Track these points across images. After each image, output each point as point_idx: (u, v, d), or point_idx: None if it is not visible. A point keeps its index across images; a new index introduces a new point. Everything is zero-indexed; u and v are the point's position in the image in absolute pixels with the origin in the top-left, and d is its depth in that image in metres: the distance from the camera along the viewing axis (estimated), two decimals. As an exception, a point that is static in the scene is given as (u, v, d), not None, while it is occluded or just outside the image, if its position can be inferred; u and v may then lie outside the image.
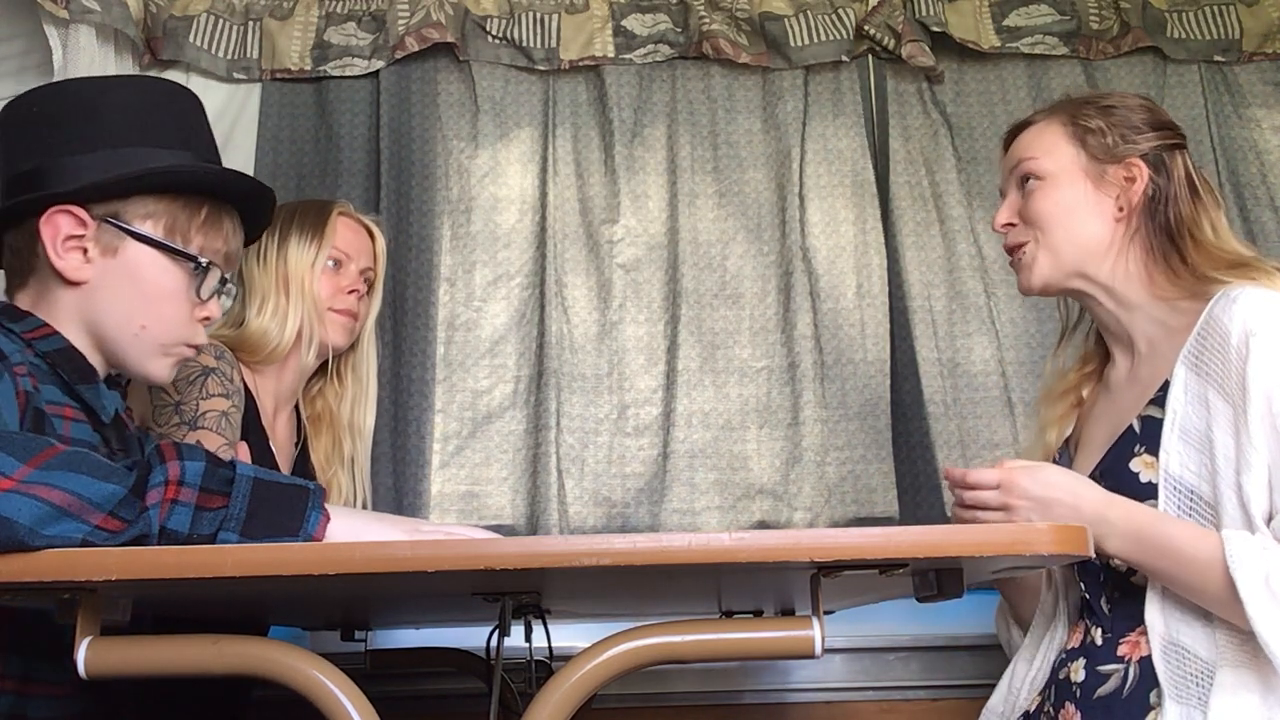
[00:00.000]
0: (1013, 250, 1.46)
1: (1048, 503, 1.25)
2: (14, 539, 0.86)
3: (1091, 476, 1.32)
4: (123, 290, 1.23)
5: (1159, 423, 1.29)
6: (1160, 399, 1.31)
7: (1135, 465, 1.30)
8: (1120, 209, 1.40)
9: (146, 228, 1.24)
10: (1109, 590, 1.34)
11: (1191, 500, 1.25)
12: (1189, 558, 1.19)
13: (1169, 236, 1.37)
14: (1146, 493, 1.28)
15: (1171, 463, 1.26)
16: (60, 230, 1.21)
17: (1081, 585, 1.38)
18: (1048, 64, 2.38)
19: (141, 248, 1.24)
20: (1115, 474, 1.31)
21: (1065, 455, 1.47)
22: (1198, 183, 1.41)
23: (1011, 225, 1.46)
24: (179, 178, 1.26)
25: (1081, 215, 1.40)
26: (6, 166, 1.27)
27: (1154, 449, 1.29)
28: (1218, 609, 1.20)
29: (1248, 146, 2.34)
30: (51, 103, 1.28)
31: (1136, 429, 1.32)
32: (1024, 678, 1.44)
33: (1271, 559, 1.15)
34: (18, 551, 0.87)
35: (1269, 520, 1.19)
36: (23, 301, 1.24)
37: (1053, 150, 1.43)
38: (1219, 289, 1.31)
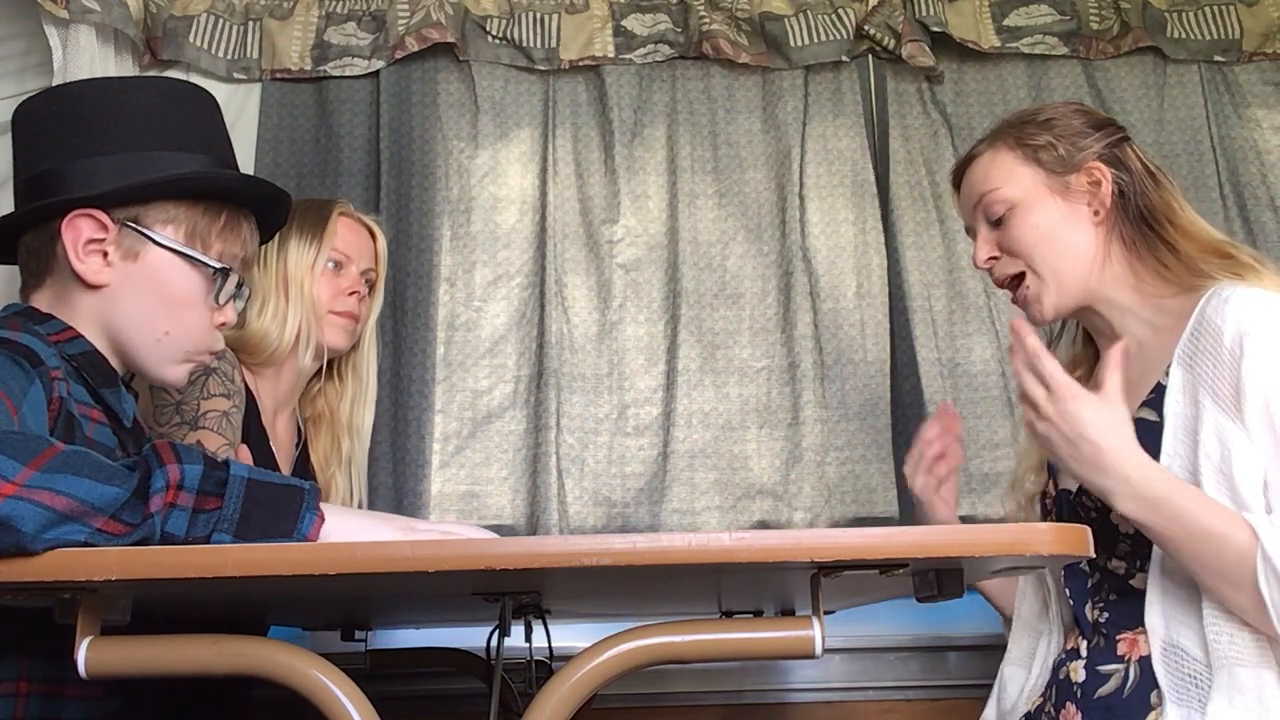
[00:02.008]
0: (1012, 285, 1.44)
1: (1077, 440, 1.22)
2: (17, 545, 0.86)
3: None
4: (144, 295, 1.23)
5: (1153, 425, 1.29)
6: (1153, 401, 1.31)
7: None
8: (1095, 213, 1.40)
9: (168, 233, 1.23)
10: (1105, 593, 1.34)
11: None
12: (1207, 531, 1.17)
13: (1148, 225, 1.38)
14: None
15: (1174, 466, 1.26)
16: (82, 234, 1.20)
17: (1067, 591, 1.38)
18: (1048, 64, 2.38)
19: (162, 253, 1.23)
20: None
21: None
22: (1153, 169, 1.42)
23: (995, 259, 1.45)
24: (201, 184, 1.25)
25: (1062, 231, 1.40)
26: (25, 166, 1.26)
27: (1149, 452, 1.29)
28: (1224, 585, 1.17)
29: (1248, 146, 2.34)
30: (72, 103, 1.27)
31: None
32: (1020, 687, 1.44)
33: None
34: (19, 556, 0.86)
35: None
36: (40, 302, 1.23)
37: (1011, 176, 1.42)
38: (1208, 284, 1.31)
